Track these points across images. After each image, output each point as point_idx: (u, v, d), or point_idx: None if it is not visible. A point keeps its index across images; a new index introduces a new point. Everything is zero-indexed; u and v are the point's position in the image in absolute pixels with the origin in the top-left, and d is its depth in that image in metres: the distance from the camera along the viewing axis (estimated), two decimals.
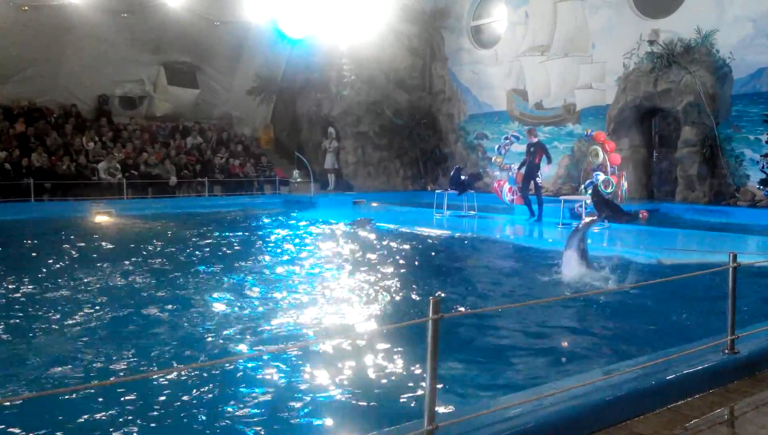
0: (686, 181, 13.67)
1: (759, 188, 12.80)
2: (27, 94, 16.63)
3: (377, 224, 11.20)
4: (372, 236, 10.16)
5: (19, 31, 15.27)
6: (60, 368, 4.11)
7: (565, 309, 5.71)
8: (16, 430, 3.23)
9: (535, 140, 11.77)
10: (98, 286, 6.56)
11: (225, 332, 4.94)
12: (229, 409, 3.53)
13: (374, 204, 13.51)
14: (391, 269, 7.38)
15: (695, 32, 13.52)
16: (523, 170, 12.00)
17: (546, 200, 12.03)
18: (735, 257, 3.47)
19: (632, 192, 14.26)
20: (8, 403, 3.34)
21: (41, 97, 16.93)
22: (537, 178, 11.58)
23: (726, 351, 3.51)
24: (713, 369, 3.40)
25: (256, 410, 3.55)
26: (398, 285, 6.61)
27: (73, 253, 8.67)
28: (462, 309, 5.58)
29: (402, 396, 3.70)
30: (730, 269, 3.47)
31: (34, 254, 8.67)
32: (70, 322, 5.22)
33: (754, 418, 3.03)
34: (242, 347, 4.62)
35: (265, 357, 4.30)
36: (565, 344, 4.79)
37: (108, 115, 17.81)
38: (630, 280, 6.40)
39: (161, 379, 3.81)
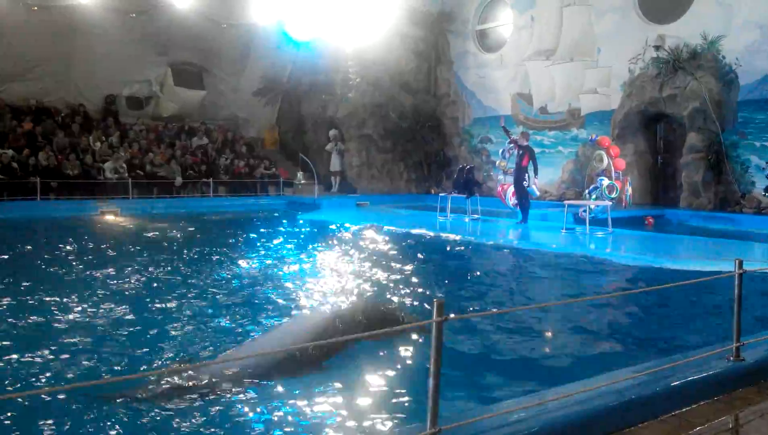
0: (691, 188, 13.63)
1: (765, 195, 12.74)
2: (35, 93, 16.73)
3: (383, 229, 11.22)
4: (375, 239, 10.17)
5: (28, 30, 15.37)
6: (58, 365, 4.13)
7: (570, 313, 5.70)
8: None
9: (525, 143, 11.77)
10: (100, 283, 6.59)
11: (222, 333, 4.95)
12: (231, 409, 3.54)
13: (382, 206, 13.54)
14: (392, 272, 7.38)
15: (701, 38, 13.50)
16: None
17: (550, 205, 12.01)
18: (741, 264, 3.47)
19: (637, 197, 14.23)
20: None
21: (49, 97, 17.02)
22: (524, 182, 11.75)
23: (731, 358, 3.50)
24: (718, 376, 3.40)
25: (258, 411, 3.55)
26: (400, 287, 6.61)
27: (78, 250, 8.71)
28: (470, 309, 5.58)
29: (405, 398, 3.70)
30: (736, 276, 3.46)
31: (39, 251, 8.71)
32: (68, 318, 5.24)
33: (759, 427, 3.02)
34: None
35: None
36: (568, 348, 4.78)
37: (115, 115, 17.90)
38: None
39: (162, 378, 3.81)
